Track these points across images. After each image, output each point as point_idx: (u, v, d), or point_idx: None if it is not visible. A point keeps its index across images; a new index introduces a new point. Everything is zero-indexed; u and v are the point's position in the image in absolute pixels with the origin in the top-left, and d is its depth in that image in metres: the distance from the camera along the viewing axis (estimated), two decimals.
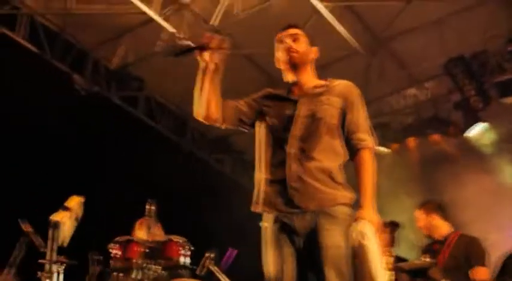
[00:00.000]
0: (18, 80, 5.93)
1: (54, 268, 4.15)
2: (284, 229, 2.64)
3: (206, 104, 2.71)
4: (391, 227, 4.96)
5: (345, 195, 2.67)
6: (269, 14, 6.38)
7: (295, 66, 2.86)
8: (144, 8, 6.23)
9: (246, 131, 2.92)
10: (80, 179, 6.02)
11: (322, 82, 2.87)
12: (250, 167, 9.21)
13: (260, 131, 2.84)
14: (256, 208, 2.73)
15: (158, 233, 4.97)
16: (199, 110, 2.74)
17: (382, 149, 7.66)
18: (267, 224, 2.70)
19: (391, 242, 4.91)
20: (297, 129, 2.70)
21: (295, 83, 2.88)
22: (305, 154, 2.65)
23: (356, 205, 2.68)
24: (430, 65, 7.19)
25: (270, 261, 2.65)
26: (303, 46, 2.86)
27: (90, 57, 7.45)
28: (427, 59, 7.14)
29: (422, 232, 4.91)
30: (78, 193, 4.55)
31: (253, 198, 2.75)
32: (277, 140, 2.73)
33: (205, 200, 7.85)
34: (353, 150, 2.75)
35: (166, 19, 6.52)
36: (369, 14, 6.89)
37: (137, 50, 7.19)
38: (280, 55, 2.87)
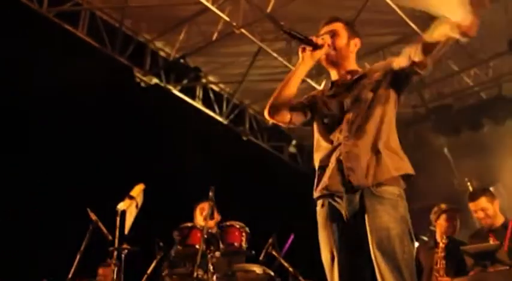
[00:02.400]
0: (80, 74, 6.12)
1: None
2: (333, 212, 2.62)
3: (287, 98, 2.76)
4: (450, 213, 4.86)
5: (396, 167, 2.55)
6: None
7: (334, 63, 2.83)
8: None
9: (307, 127, 2.92)
10: (141, 169, 6.19)
11: (361, 70, 2.83)
12: (308, 153, 9.27)
13: (315, 126, 2.85)
14: (314, 194, 2.73)
15: (218, 219, 5.06)
16: (277, 102, 2.76)
17: None
18: (319, 208, 2.71)
19: (452, 229, 4.81)
20: (345, 115, 2.68)
21: (337, 78, 2.85)
22: (353, 133, 2.62)
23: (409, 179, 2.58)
24: (493, 43, 6.91)
25: (322, 246, 2.66)
26: (341, 42, 2.81)
27: (149, 49, 7.60)
28: (491, 36, 6.84)
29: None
30: (141, 182, 4.71)
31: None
32: (330, 130, 2.72)
33: (263, 186, 7.90)
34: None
35: (221, 8, 6.56)
36: None
37: (194, 40, 7.27)
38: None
